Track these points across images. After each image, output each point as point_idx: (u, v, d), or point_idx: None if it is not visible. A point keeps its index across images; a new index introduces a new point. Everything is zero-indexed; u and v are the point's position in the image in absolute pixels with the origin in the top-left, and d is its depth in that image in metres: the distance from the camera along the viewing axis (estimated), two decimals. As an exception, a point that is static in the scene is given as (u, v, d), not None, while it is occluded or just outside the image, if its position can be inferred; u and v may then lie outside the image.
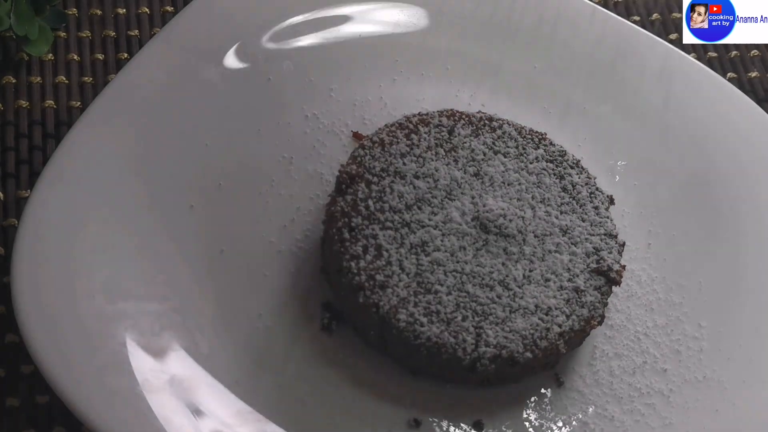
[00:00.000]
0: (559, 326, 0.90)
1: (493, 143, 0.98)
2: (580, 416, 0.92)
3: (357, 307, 0.89)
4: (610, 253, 0.94)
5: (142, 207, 0.94)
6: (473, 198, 0.94)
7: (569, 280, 0.92)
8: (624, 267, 0.95)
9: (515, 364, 0.89)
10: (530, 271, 0.92)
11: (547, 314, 0.90)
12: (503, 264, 0.92)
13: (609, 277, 0.93)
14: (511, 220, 0.93)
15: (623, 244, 0.96)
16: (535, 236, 0.94)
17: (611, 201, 0.99)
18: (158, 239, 0.93)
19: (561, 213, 0.96)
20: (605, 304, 0.93)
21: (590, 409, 0.92)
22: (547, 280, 0.92)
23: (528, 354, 0.89)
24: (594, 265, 0.93)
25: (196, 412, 0.86)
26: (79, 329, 0.86)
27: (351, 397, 0.90)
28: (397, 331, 0.88)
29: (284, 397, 0.89)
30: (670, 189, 1.04)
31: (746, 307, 0.98)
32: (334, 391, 0.90)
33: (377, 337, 0.90)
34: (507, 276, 0.91)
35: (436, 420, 0.90)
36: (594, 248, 0.94)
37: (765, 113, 1.09)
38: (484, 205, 0.94)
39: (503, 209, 0.94)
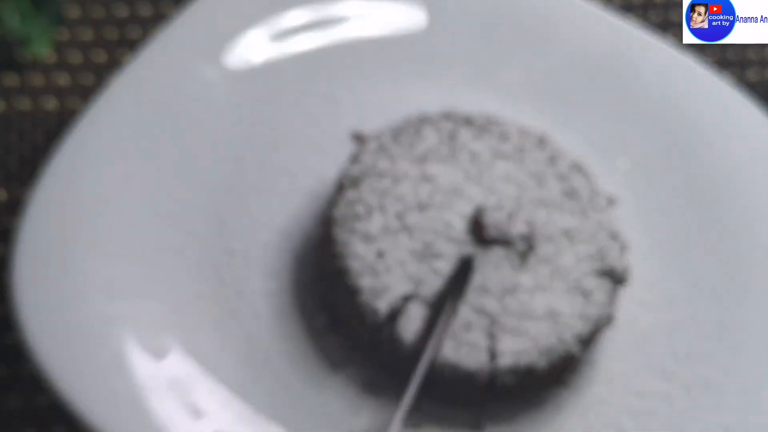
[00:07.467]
0: (572, 330, 0.90)
1: (494, 146, 0.98)
2: (580, 417, 0.92)
3: (354, 310, 0.89)
4: (614, 253, 0.94)
5: (141, 207, 0.94)
6: (475, 202, 0.94)
7: (576, 282, 0.92)
8: (629, 266, 0.94)
9: (533, 374, 0.88)
10: (537, 275, 0.91)
11: (558, 319, 0.90)
12: (508, 270, 0.91)
13: (615, 277, 0.93)
14: (513, 224, 0.93)
15: (625, 245, 0.96)
16: (539, 240, 0.93)
17: (612, 201, 0.99)
18: (158, 239, 0.93)
19: (563, 215, 0.95)
20: (613, 304, 0.93)
21: (590, 411, 0.92)
22: (554, 284, 0.91)
23: (545, 361, 0.88)
24: (599, 266, 0.93)
25: (196, 412, 0.86)
26: (79, 329, 0.87)
27: (350, 397, 0.90)
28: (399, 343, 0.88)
29: (284, 397, 0.89)
30: (669, 189, 1.05)
31: (747, 308, 0.98)
32: (333, 392, 0.90)
33: (371, 344, 0.90)
34: (514, 283, 0.90)
35: (435, 421, 0.90)
36: (598, 249, 0.94)
37: (764, 114, 1.09)
38: (486, 209, 0.93)
39: (506, 213, 0.93)
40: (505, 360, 0.87)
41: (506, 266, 0.91)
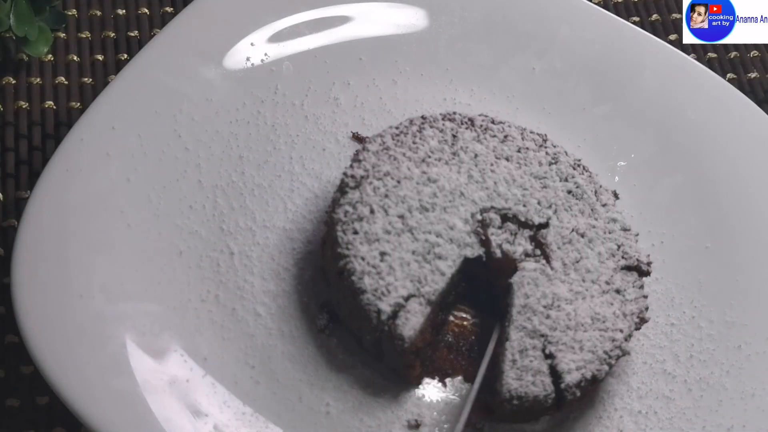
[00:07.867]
0: (621, 331, 0.89)
1: (496, 147, 0.97)
2: (580, 417, 0.91)
3: (356, 311, 0.89)
4: (633, 246, 0.94)
5: (141, 207, 0.94)
6: (478, 205, 0.94)
7: (606, 282, 0.91)
8: (649, 256, 0.94)
9: (596, 380, 0.88)
10: (570, 283, 0.91)
11: (605, 324, 0.89)
12: (544, 283, 0.90)
13: (640, 270, 0.93)
14: (518, 243, 0.92)
15: (637, 234, 0.96)
16: (557, 246, 0.93)
17: (616, 195, 0.99)
18: (157, 239, 0.93)
19: (572, 216, 0.95)
20: (646, 296, 0.93)
21: (590, 411, 0.92)
22: (589, 288, 0.91)
23: (606, 367, 0.88)
24: (623, 262, 0.93)
25: (196, 412, 0.86)
26: (79, 330, 0.86)
27: (350, 398, 0.89)
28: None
29: (283, 397, 0.89)
30: (669, 189, 1.04)
31: (745, 308, 0.98)
32: (333, 392, 0.89)
33: (372, 344, 0.89)
34: (553, 296, 0.90)
35: (435, 421, 0.90)
36: (617, 245, 0.94)
37: (764, 114, 1.09)
38: (491, 216, 0.93)
39: (509, 232, 0.93)
40: (572, 377, 0.87)
41: (542, 280, 0.90)
